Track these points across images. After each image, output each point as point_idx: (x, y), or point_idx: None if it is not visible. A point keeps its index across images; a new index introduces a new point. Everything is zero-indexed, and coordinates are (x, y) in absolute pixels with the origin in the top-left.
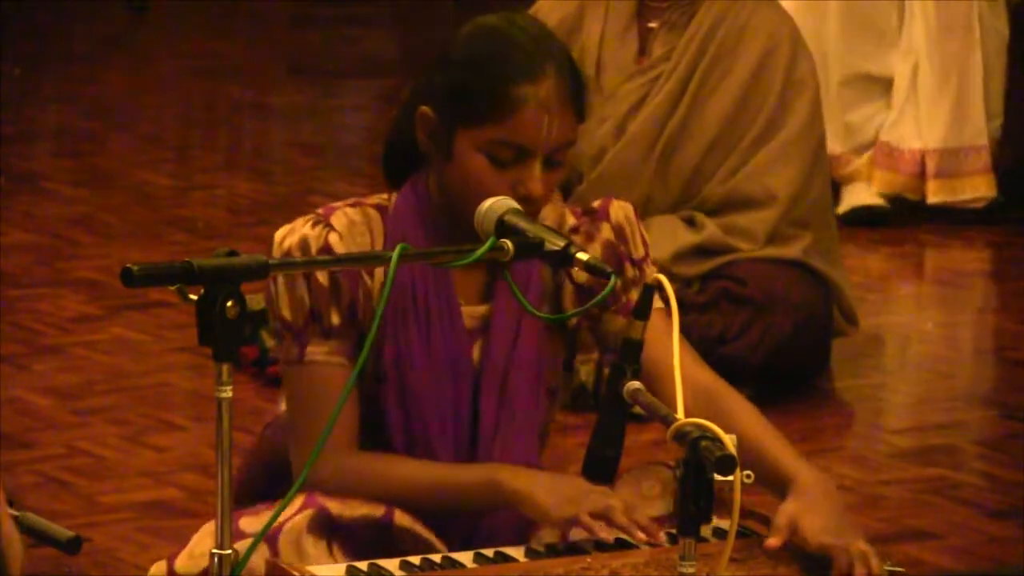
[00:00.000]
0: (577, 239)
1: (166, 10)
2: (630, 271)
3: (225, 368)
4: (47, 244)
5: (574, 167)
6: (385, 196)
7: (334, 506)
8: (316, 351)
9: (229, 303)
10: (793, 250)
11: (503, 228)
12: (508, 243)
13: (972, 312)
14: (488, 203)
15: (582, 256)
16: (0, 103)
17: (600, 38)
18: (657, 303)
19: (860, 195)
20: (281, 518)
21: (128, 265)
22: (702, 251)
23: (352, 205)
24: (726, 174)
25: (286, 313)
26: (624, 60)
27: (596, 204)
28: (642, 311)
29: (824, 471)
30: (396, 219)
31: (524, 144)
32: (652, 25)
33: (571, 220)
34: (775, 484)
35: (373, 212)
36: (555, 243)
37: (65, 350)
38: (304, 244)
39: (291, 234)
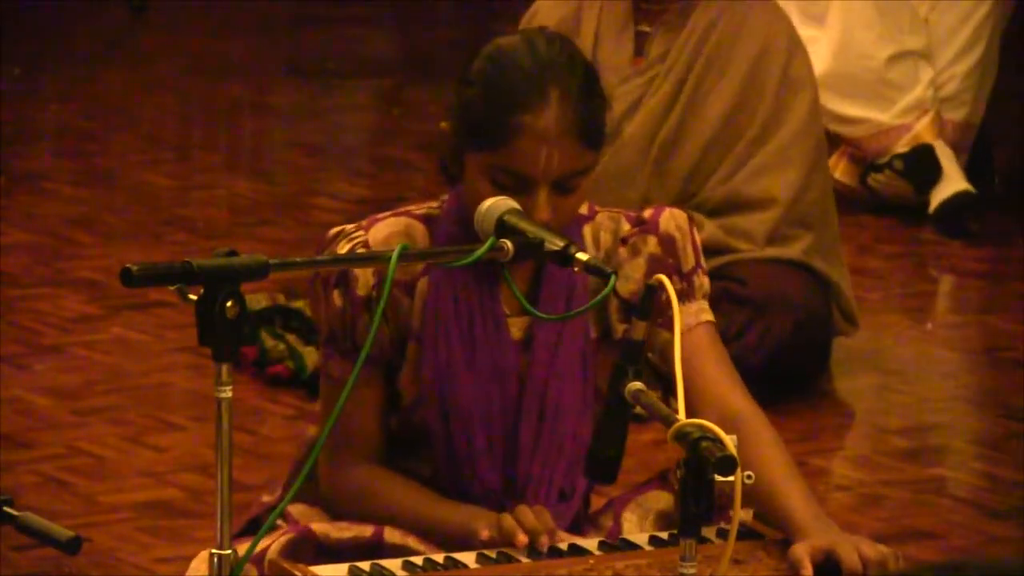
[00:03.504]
0: (623, 252)
1: (166, 10)
2: (677, 284)
3: (225, 368)
4: (47, 244)
5: None
6: (435, 204)
7: (320, 528)
8: (345, 368)
9: (229, 303)
10: (793, 250)
11: (503, 228)
12: (507, 243)
13: (972, 312)
14: (488, 203)
15: (582, 256)
16: (0, 103)
17: (595, 39)
18: (704, 316)
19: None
20: (267, 541)
21: (128, 265)
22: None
23: (398, 215)
24: (724, 175)
25: (321, 324)
26: (620, 61)
27: (647, 214)
28: (643, 311)
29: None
30: (440, 227)
31: (523, 173)
32: (646, 29)
33: (625, 227)
34: (786, 530)
35: (416, 223)
36: (555, 243)
37: (65, 350)
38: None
39: (334, 241)
